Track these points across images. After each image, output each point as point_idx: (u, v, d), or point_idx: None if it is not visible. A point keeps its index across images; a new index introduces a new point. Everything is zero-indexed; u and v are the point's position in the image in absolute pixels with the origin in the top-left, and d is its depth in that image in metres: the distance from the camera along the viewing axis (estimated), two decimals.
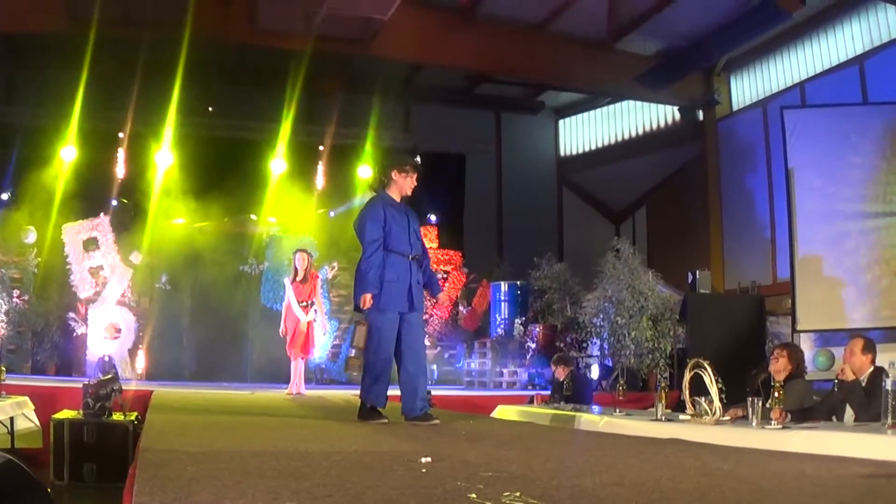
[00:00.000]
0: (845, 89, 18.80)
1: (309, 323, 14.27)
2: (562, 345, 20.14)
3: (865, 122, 17.32)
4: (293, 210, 21.58)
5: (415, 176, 8.82)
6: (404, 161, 9.05)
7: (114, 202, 20.86)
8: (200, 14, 17.84)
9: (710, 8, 19.38)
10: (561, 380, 13.66)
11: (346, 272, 21.59)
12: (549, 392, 14.25)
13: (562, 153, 28.15)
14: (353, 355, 9.05)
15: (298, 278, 14.36)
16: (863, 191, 17.06)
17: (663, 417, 8.17)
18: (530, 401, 13.15)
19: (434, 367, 21.68)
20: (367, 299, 8.50)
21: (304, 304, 14.25)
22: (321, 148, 22.65)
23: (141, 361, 19.75)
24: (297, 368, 14.35)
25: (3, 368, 11.24)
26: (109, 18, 17.42)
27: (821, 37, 19.92)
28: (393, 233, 8.59)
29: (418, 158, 8.59)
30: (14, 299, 18.89)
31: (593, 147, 27.27)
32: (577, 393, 13.11)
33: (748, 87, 22.24)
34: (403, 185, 8.84)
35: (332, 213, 22.70)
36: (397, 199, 8.85)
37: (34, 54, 21.37)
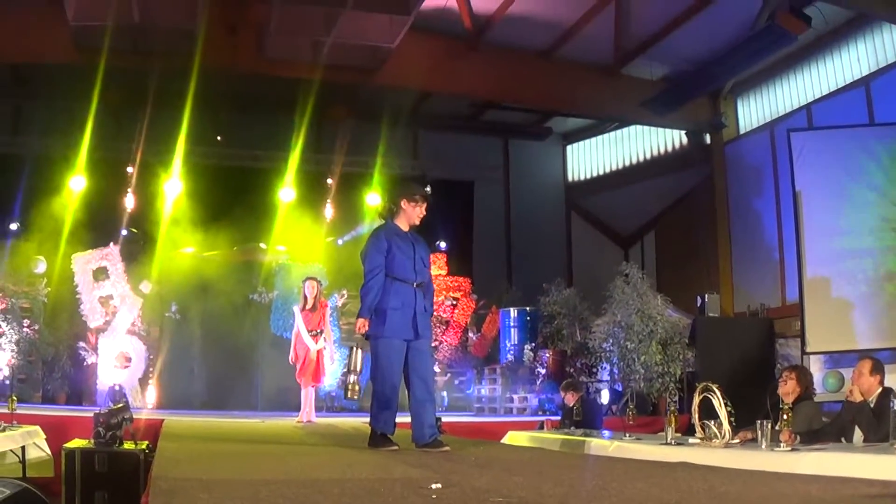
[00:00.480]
0: (852, 111, 18.80)
1: (319, 351, 14.25)
2: (571, 370, 20.15)
3: (872, 143, 17.34)
4: (302, 238, 21.64)
5: (424, 206, 8.88)
6: (414, 190, 9.07)
7: (123, 232, 20.94)
8: (208, 44, 17.92)
9: (716, 32, 19.42)
10: (571, 405, 13.67)
11: (355, 300, 21.56)
12: (559, 418, 14.25)
13: (570, 178, 28.15)
14: (350, 381, 9.04)
15: (308, 306, 14.36)
16: (870, 211, 17.07)
17: (673, 441, 8.17)
18: (540, 426, 13.16)
19: (444, 393, 21.74)
20: (360, 324, 8.65)
21: (314, 332, 14.22)
22: (329, 177, 22.73)
23: (151, 390, 19.78)
24: (308, 396, 14.33)
25: (14, 398, 11.24)
26: (118, 49, 17.48)
27: (826, 59, 19.91)
28: (396, 260, 8.63)
29: (428, 188, 8.65)
30: (24, 329, 18.91)
31: (601, 172, 27.26)
32: (587, 418, 13.10)
33: (755, 111, 22.25)
34: (412, 214, 8.90)
35: (340, 241, 22.76)
36: (405, 227, 8.90)
37: (42, 84, 21.47)
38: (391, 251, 8.61)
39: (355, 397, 8.89)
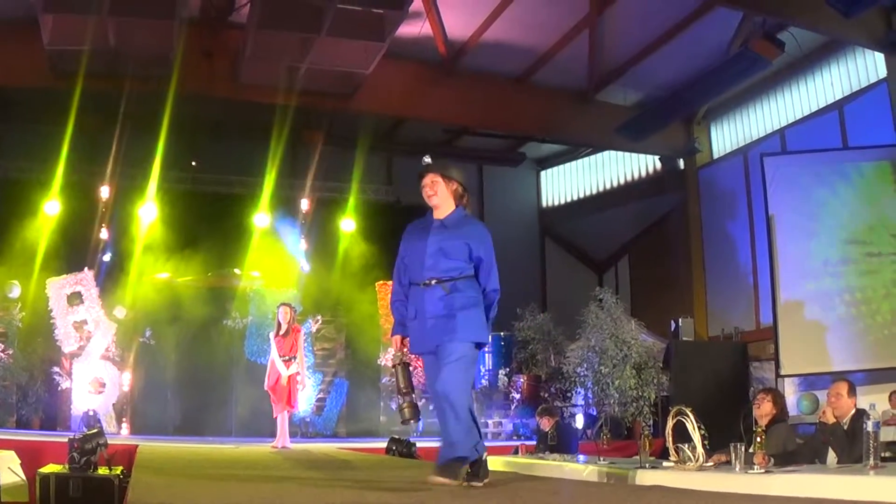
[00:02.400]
0: (825, 134, 18.94)
1: (291, 377, 14.22)
2: (546, 395, 20.20)
3: (845, 167, 17.49)
4: (276, 264, 21.62)
5: (422, 183, 7.31)
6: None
7: (103, 257, 20.91)
8: (184, 69, 17.94)
9: (690, 58, 19.56)
10: (546, 430, 13.72)
11: (329, 325, 21.69)
12: (534, 442, 14.29)
13: (544, 204, 28.21)
14: (401, 404, 7.60)
15: (281, 332, 14.35)
16: (843, 235, 17.21)
17: (647, 465, 8.19)
18: (515, 451, 13.18)
19: (422, 420, 21.69)
20: (394, 342, 7.53)
21: (286, 357, 14.21)
22: (304, 201, 22.70)
23: (125, 416, 19.72)
24: (282, 422, 14.32)
25: None
26: (93, 73, 17.47)
27: (800, 83, 20.07)
28: (407, 260, 7.37)
29: (426, 158, 7.50)
30: None
31: (575, 197, 27.31)
32: (562, 443, 13.15)
33: (728, 135, 22.38)
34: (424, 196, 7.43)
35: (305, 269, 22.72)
36: (435, 215, 7.36)
37: (16, 108, 21.39)
38: (406, 253, 7.43)
39: (411, 420, 7.71)
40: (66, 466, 9.93)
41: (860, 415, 8.02)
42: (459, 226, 7.20)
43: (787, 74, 20.18)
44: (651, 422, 18.03)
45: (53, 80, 18.23)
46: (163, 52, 17.62)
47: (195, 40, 18.18)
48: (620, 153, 25.29)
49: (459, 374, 6.90)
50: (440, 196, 7.20)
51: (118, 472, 10.14)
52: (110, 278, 20.57)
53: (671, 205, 23.85)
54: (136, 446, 12.36)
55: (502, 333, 21.89)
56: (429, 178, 7.23)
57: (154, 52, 17.66)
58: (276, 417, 14.40)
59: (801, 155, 18.60)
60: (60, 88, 18.31)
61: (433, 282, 7.04)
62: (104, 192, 20.69)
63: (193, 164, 22.53)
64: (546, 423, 13.87)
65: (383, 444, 13.65)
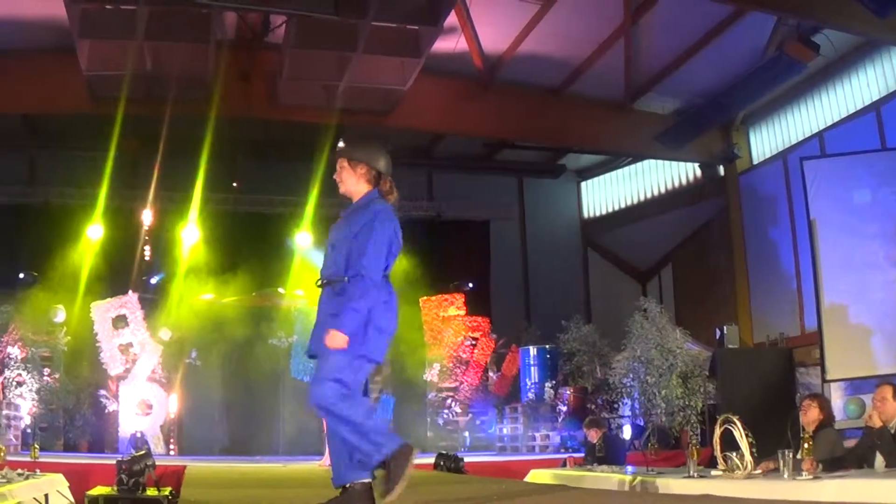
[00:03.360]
0: (863, 136, 18.77)
1: None
2: (593, 406, 20.12)
3: (884, 168, 17.32)
4: None
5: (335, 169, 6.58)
6: None
7: (142, 279, 21.06)
8: (222, 91, 18.09)
9: (725, 64, 19.49)
10: (594, 442, 13.66)
11: None
12: (582, 455, 14.24)
13: (585, 215, 28.15)
14: None
15: None
16: (885, 236, 17.04)
17: (695, 474, 8.15)
18: (563, 464, 13.13)
19: (466, 433, 21.75)
20: None
21: None
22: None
23: (173, 437, 19.82)
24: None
25: (37, 446, 11.31)
26: (132, 97, 17.63)
27: (836, 85, 19.93)
28: None
29: (340, 143, 6.50)
30: (45, 377, 19.05)
31: (616, 207, 27.23)
32: (610, 454, 13.09)
33: (767, 140, 22.25)
34: None
35: None
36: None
37: (57, 134, 21.71)
38: None
39: None
40: (115, 488, 9.95)
41: None
42: (353, 214, 6.31)
43: (822, 77, 20.05)
44: (698, 431, 17.92)
45: (93, 106, 18.43)
46: (200, 75, 17.76)
47: (232, 62, 18.33)
48: (660, 162, 25.19)
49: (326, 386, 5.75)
50: (346, 183, 6.44)
51: (167, 493, 10.17)
52: (155, 301, 20.71)
53: (713, 212, 23.74)
54: (184, 467, 12.40)
55: (548, 346, 21.84)
56: (337, 166, 6.52)
57: (192, 75, 17.80)
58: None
59: (840, 158, 18.44)
60: (100, 114, 18.52)
61: (324, 282, 6.18)
62: (146, 215, 20.85)
63: (235, 185, 22.66)
64: (594, 435, 13.82)
65: (431, 460, 13.63)
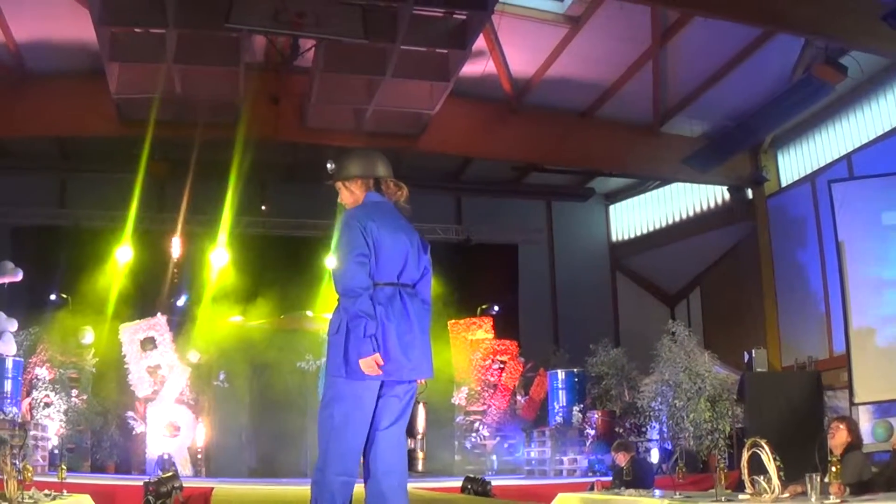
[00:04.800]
0: (892, 158, 18.61)
1: None
2: (621, 430, 20.06)
3: None
4: None
5: None
6: None
7: (178, 301, 21.19)
8: (251, 114, 18.20)
9: (753, 86, 19.45)
10: (622, 466, 13.64)
11: None
12: (610, 478, 14.21)
13: (614, 238, 28.11)
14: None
15: None
16: None
17: (723, 498, 8.11)
18: (591, 487, 13.14)
19: (493, 457, 21.72)
20: None
21: None
22: None
23: (200, 459, 19.85)
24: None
25: (64, 467, 11.32)
26: (161, 120, 17.77)
27: (864, 107, 19.85)
28: None
29: (329, 165, 6.33)
30: (72, 399, 19.14)
31: (645, 231, 27.18)
32: (637, 478, 13.06)
33: (796, 163, 22.17)
34: None
35: None
36: None
37: (86, 157, 21.91)
38: None
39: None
40: None
41: None
42: None
43: (850, 99, 19.99)
44: (726, 454, 17.84)
45: (122, 129, 18.61)
46: (229, 99, 17.90)
47: (261, 86, 18.42)
48: (688, 185, 25.13)
49: (323, 415, 5.92)
50: (348, 202, 6.25)
51: None
52: (183, 323, 20.79)
53: (741, 235, 23.68)
54: (212, 489, 12.43)
55: (576, 370, 21.77)
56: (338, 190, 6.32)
57: (221, 98, 17.95)
58: None
59: (868, 180, 18.37)
60: (129, 136, 18.68)
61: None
62: (175, 238, 20.97)
63: (263, 208, 22.75)
64: (622, 459, 13.78)
65: (458, 483, 13.63)
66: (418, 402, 6.20)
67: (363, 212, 5.96)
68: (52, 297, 20.57)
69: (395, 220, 6.04)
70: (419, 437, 7.26)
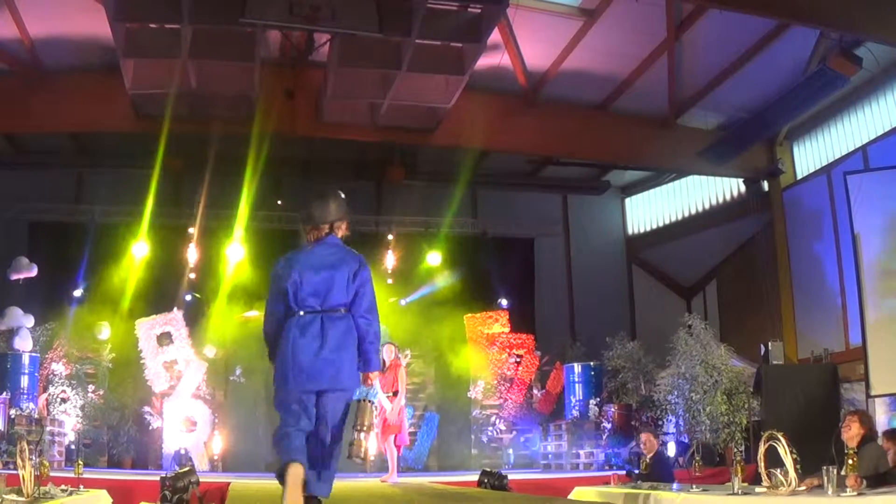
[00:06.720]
0: None
1: (401, 409, 14.39)
2: (637, 423, 20.05)
3: None
4: None
5: None
6: None
7: (187, 296, 21.20)
8: (266, 109, 18.21)
9: (768, 79, 19.40)
10: (644, 451, 13.63)
11: (418, 360, 21.74)
12: (626, 471, 14.19)
13: (630, 231, 28.08)
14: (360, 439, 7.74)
15: (383, 369, 14.38)
16: None
17: (739, 491, 8.11)
18: (608, 481, 13.11)
19: (510, 450, 21.71)
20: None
21: (388, 393, 14.34)
22: (390, 237, 22.87)
23: (217, 453, 19.89)
24: (392, 456, 14.41)
25: (81, 462, 11.37)
26: (177, 115, 17.81)
27: (879, 99, 19.74)
28: None
29: (339, 207, 7.35)
30: (89, 394, 19.22)
31: (661, 224, 27.14)
32: (655, 471, 13.03)
33: (811, 155, 22.09)
34: None
35: (403, 302, 22.79)
36: None
37: (102, 153, 21.96)
38: None
39: (359, 459, 7.79)
40: None
41: None
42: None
43: (866, 90, 19.91)
44: (743, 447, 17.85)
45: (137, 125, 18.64)
46: (245, 94, 17.92)
47: (277, 81, 18.46)
48: (704, 177, 25.09)
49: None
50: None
51: None
52: (199, 318, 20.83)
53: (757, 227, 23.59)
54: (229, 483, 12.43)
55: (592, 363, 21.78)
56: (341, 228, 7.73)
57: (236, 93, 17.97)
58: (384, 452, 14.58)
59: (884, 171, 18.32)
60: (145, 132, 18.70)
61: None
62: (191, 233, 21.00)
63: (279, 202, 22.75)
64: (647, 440, 13.74)
65: (474, 478, 13.63)
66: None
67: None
68: (71, 292, 20.61)
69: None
70: (362, 430, 7.62)
